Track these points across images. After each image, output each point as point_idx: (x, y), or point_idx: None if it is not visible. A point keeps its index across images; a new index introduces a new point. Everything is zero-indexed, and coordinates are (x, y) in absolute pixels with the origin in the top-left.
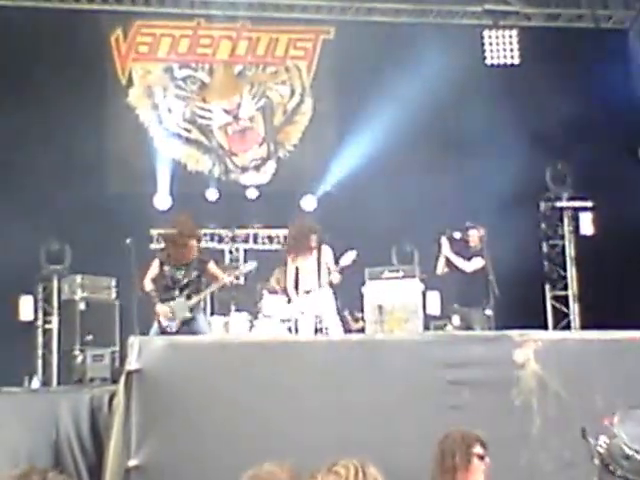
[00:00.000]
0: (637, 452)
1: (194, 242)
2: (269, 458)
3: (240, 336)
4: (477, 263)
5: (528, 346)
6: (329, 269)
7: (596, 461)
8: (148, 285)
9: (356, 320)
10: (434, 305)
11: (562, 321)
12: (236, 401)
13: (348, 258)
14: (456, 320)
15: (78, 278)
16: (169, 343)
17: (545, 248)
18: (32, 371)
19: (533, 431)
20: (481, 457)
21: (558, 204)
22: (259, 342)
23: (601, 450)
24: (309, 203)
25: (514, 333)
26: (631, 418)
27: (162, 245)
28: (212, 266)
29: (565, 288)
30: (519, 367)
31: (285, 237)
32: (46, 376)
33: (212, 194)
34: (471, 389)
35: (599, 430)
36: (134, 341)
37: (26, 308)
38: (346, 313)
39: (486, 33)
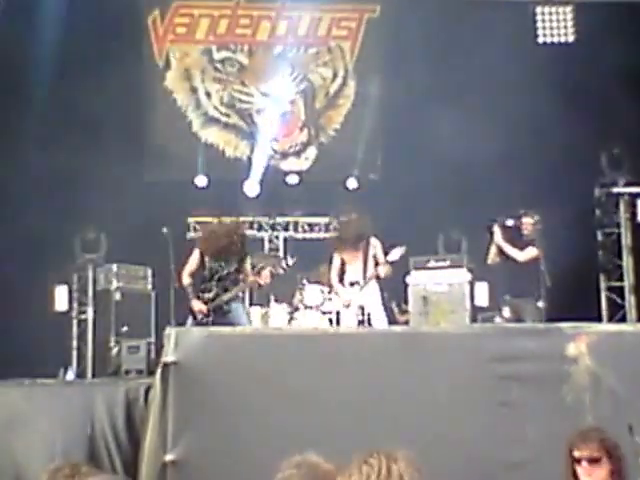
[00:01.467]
0: None
1: (237, 238)
2: (307, 452)
3: (279, 328)
4: (530, 252)
5: (581, 339)
6: (377, 262)
7: None
8: (186, 279)
9: (403, 312)
10: (482, 296)
11: (617, 313)
12: (275, 394)
13: (396, 253)
14: (507, 312)
15: (114, 267)
16: (207, 334)
17: (600, 236)
18: (67, 363)
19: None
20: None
21: (614, 190)
22: (299, 334)
23: None
24: (352, 185)
25: (566, 326)
26: None
27: (202, 235)
28: (247, 264)
29: (621, 279)
30: (571, 362)
31: (327, 225)
32: (81, 368)
33: (251, 189)
34: (520, 384)
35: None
36: (171, 332)
37: (61, 298)
38: (393, 305)
39: (539, 10)
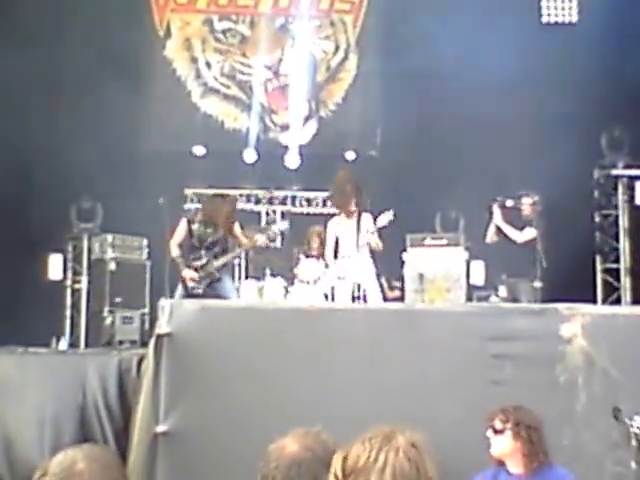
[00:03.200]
0: None
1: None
2: (299, 426)
3: (274, 302)
4: (529, 233)
5: (576, 320)
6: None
7: (633, 442)
8: (174, 250)
9: (392, 288)
10: (478, 275)
11: (612, 295)
12: (267, 368)
13: (385, 218)
14: (503, 291)
15: (109, 237)
16: (201, 307)
17: (597, 218)
18: (60, 332)
19: (578, 409)
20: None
21: (613, 172)
22: (293, 308)
23: (637, 431)
24: (351, 157)
25: (561, 306)
26: None
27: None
28: (237, 228)
29: (617, 260)
30: (565, 342)
31: (324, 200)
32: (74, 337)
33: (250, 156)
34: (514, 363)
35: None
36: (165, 304)
37: (55, 267)
38: (383, 280)
39: None
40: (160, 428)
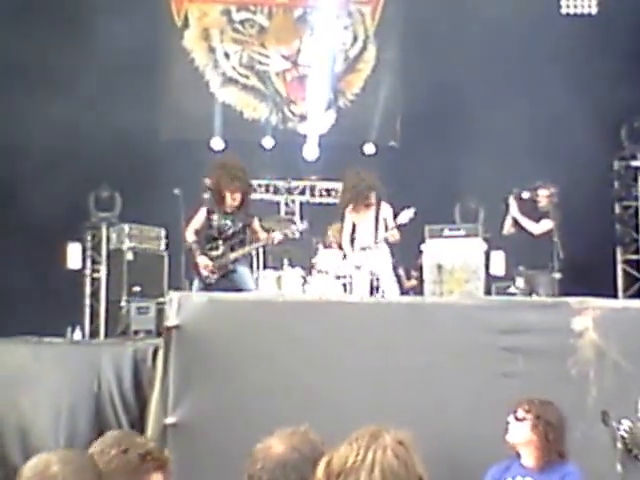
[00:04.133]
0: None
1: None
2: (308, 419)
3: (282, 294)
4: (545, 225)
5: (587, 314)
6: (387, 227)
7: (619, 445)
8: (190, 236)
9: (409, 278)
10: (498, 265)
11: (633, 286)
12: (276, 360)
13: (405, 216)
14: (520, 283)
15: (126, 227)
16: (209, 299)
17: (617, 209)
18: (80, 321)
19: (589, 402)
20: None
21: (633, 163)
22: (302, 301)
23: (624, 434)
24: (369, 150)
25: (573, 300)
26: None
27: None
28: (255, 223)
29: (637, 252)
30: (577, 335)
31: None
32: (94, 326)
33: (268, 142)
34: (525, 357)
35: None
36: (173, 297)
37: (74, 256)
38: (401, 270)
39: None
40: (169, 419)
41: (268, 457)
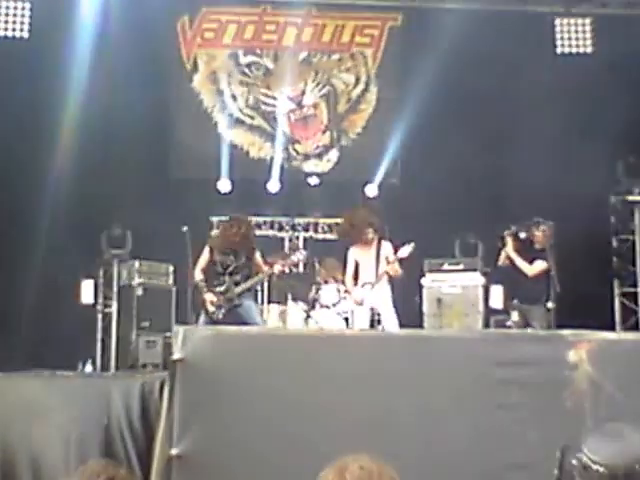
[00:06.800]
0: (594, 463)
1: (245, 231)
2: (309, 451)
3: (284, 328)
4: (539, 266)
5: (582, 346)
6: (388, 263)
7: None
8: (198, 275)
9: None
10: (497, 299)
11: (630, 319)
12: (279, 394)
13: (405, 250)
14: (515, 316)
15: (136, 264)
16: (214, 333)
17: (615, 243)
18: (91, 354)
19: (585, 434)
20: None
21: (629, 198)
22: (304, 335)
23: (570, 468)
24: (371, 192)
25: (567, 333)
26: (603, 432)
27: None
28: (257, 256)
29: (634, 285)
30: (571, 368)
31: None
32: (104, 360)
33: (274, 186)
34: (521, 388)
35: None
36: (179, 330)
37: (87, 292)
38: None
39: (558, 21)
40: (174, 451)
41: None
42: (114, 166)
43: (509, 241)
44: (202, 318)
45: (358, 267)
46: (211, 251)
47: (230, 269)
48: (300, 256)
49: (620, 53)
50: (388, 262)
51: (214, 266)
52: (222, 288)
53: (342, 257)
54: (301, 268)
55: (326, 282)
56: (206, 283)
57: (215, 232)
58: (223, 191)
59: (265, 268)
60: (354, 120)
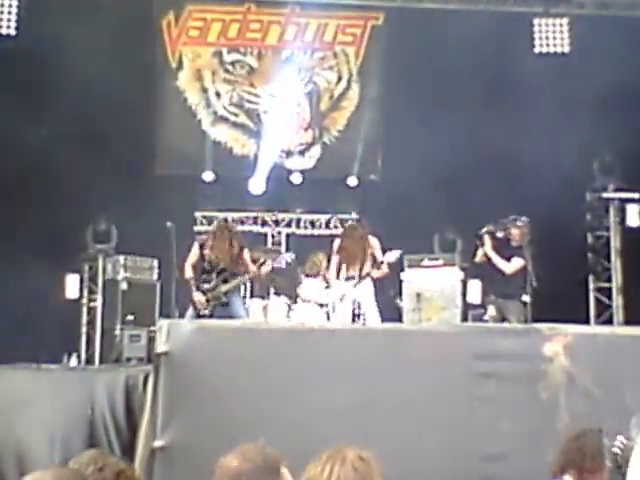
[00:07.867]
0: None
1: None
2: (291, 442)
3: (266, 322)
4: (516, 264)
5: (558, 340)
6: (374, 260)
7: (608, 463)
8: (188, 272)
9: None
10: (475, 293)
11: (604, 313)
12: (261, 386)
13: (392, 256)
14: (492, 310)
15: (121, 259)
16: (197, 327)
17: (590, 239)
18: (76, 348)
19: (560, 427)
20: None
21: (604, 195)
22: (285, 328)
23: (617, 451)
24: (352, 182)
25: (544, 327)
26: None
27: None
28: (246, 255)
29: (609, 280)
30: (547, 361)
31: (327, 222)
32: (89, 354)
33: (256, 187)
34: (498, 381)
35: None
36: (163, 324)
37: (72, 286)
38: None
39: (536, 21)
40: (157, 443)
41: (224, 472)
42: (99, 161)
43: (487, 240)
44: (189, 312)
45: (342, 262)
46: (201, 248)
47: (219, 267)
48: (288, 259)
49: (596, 53)
50: (374, 258)
51: (203, 262)
52: (210, 285)
53: (324, 252)
54: (283, 264)
55: (307, 276)
56: (195, 280)
57: (200, 228)
58: (207, 180)
59: (253, 268)
60: (336, 117)
